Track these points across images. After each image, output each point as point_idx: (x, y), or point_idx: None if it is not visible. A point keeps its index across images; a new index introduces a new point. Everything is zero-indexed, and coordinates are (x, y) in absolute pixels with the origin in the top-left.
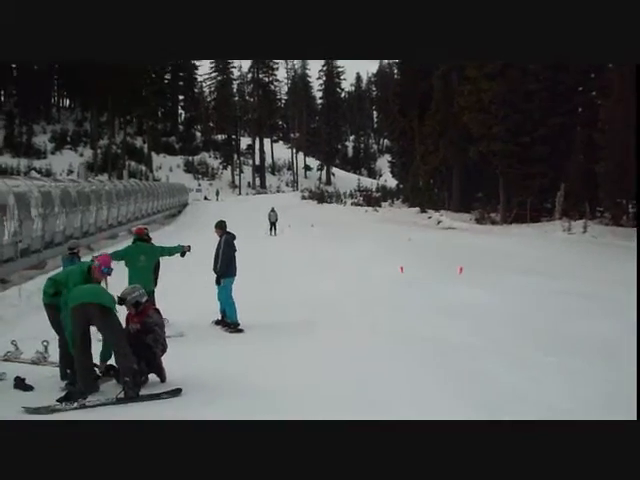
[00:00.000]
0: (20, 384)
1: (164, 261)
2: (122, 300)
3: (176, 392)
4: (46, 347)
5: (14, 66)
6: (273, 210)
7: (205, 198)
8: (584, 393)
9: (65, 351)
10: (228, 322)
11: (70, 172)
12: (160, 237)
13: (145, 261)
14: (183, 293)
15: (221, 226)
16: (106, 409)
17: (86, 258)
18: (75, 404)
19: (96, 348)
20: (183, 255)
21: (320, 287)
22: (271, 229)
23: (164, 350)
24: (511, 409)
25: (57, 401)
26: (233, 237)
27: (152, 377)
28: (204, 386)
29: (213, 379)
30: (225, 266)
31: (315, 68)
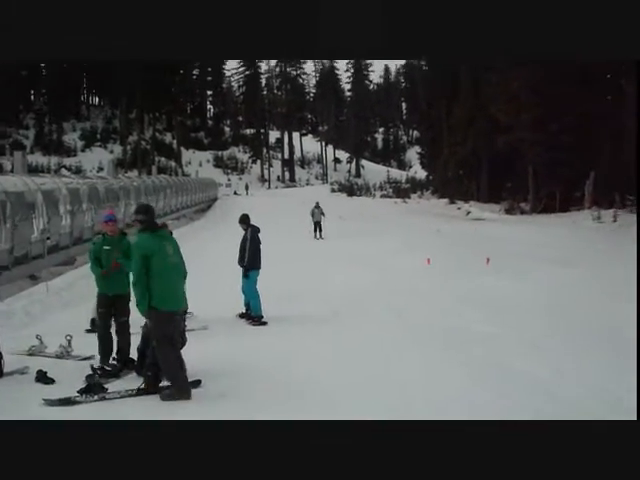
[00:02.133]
0: (41, 377)
1: (191, 254)
2: None
3: (195, 384)
4: (69, 341)
5: (43, 65)
6: (317, 206)
7: (235, 193)
8: (604, 386)
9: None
10: (252, 315)
11: (100, 169)
12: (188, 232)
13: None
14: (208, 287)
15: (244, 220)
16: (123, 402)
17: None
18: (95, 397)
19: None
20: None
21: (347, 279)
22: (316, 230)
23: (183, 343)
24: (530, 400)
25: (77, 392)
26: (257, 230)
27: None
28: (223, 378)
29: (233, 372)
30: (252, 259)
31: (343, 60)
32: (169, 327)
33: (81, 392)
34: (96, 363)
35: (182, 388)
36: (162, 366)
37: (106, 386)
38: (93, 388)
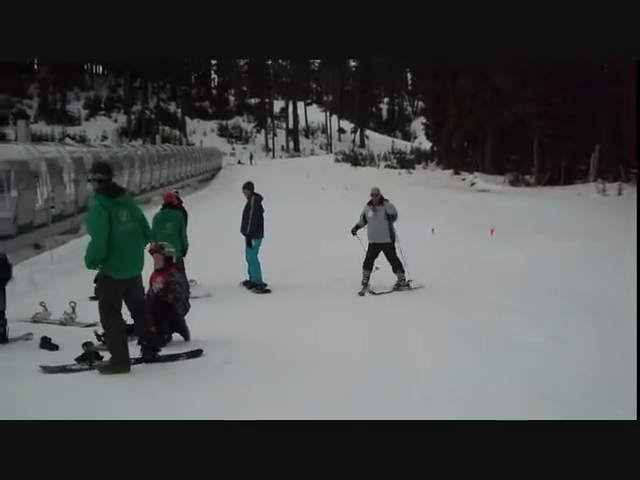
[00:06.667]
0: (46, 344)
1: (196, 223)
2: (160, 248)
3: (196, 353)
4: (73, 308)
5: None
6: (379, 201)
7: (239, 162)
8: (599, 354)
9: None
10: (255, 283)
11: (104, 138)
12: (194, 201)
13: (171, 228)
14: (213, 255)
15: (249, 187)
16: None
17: None
18: (92, 365)
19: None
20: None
21: (350, 249)
22: (369, 272)
23: (186, 310)
24: (530, 366)
25: (75, 360)
26: (260, 198)
27: (176, 336)
28: (226, 345)
29: (236, 339)
30: (254, 228)
31: None
32: (114, 295)
33: (78, 360)
34: (100, 330)
35: (119, 360)
36: (105, 332)
37: (102, 354)
38: (89, 356)
